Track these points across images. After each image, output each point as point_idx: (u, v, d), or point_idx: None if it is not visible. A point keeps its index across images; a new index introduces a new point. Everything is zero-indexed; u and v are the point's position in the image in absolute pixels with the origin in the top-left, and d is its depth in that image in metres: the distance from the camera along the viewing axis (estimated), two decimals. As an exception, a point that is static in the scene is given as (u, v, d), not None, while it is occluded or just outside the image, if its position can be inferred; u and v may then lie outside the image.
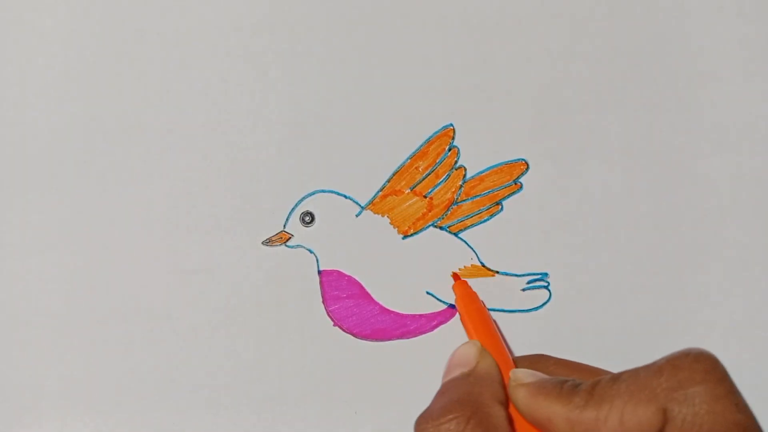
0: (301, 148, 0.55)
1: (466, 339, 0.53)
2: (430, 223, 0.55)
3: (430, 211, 0.55)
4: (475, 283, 0.55)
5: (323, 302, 0.55)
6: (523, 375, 0.45)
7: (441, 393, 0.46)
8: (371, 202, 0.55)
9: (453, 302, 0.55)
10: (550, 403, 0.43)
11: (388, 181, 0.55)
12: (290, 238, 0.55)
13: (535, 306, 0.55)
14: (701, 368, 0.40)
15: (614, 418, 0.41)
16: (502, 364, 0.48)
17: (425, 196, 0.55)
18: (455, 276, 0.54)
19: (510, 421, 0.45)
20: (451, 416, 0.44)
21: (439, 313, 0.55)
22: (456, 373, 0.47)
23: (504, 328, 0.55)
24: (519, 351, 0.55)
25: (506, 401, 0.46)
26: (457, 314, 0.55)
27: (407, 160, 0.55)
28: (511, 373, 0.46)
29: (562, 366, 0.49)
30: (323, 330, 0.55)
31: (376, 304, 0.55)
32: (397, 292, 0.55)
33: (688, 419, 0.39)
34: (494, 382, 0.46)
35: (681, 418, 0.39)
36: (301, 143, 0.55)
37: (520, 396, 0.45)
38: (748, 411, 0.39)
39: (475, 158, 0.55)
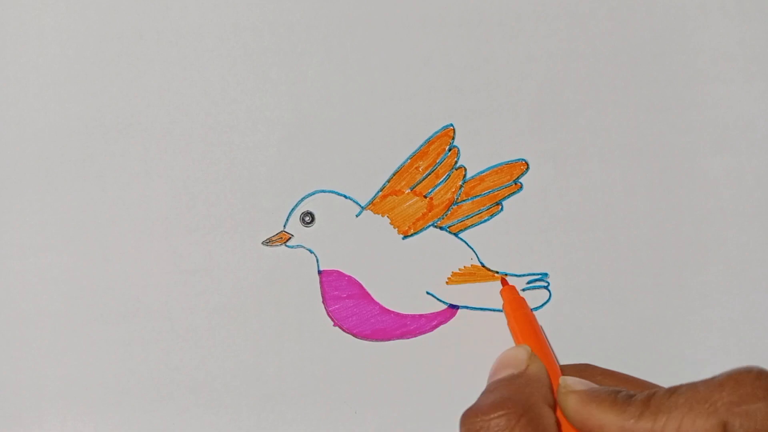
0: (301, 148, 0.55)
1: (465, 343, 0.53)
2: (430, 223, 0.55)
3: (430, 211, 0.55)
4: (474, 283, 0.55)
5: (323, 302, 0.55)
6: (573, 382, 0.46)
7: (489, 391, 0.46)
8: (371, 202, 0.55)
9: (453, 302, 0.55)
10: (603, 412, 0.43)
11: (388, 181, 0.55)
12: (290, 238, 0.55)
13: (535, 306, 0.55)
14: (764, 385, 0.40)
15: (671, 429, 0.41)
16: (550, 370, 0.48)
17: (425, 196, 0.55)
18: (503, 281, 0.54)
19: (558, 425, 0.45)
20: (502, 412, 0.44)
21: (439, 313, 0.55)
22: (505, 373, 0.47)
23: (504, 328, 0.55)
24: (519, 351, 0.55)
25: (555, 406, 0.46)
26: (458, 315, 0.55)
27: (407, 160, 0.55)
28: (561, 380, 0.46)
29: (609, 376, 0.49)
30: (323, 330, 0.55)
31: (376, 304, 0.55)
32: (397, 292, 0.55)
33: None
34: (544, 386, 0.46)
35: None
36: (301, 143, 0.55)
37: (571, 403, 0.45)
38: None
39: (475, 158, 0.55)
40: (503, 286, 0.54)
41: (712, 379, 0.41)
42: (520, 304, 0.53)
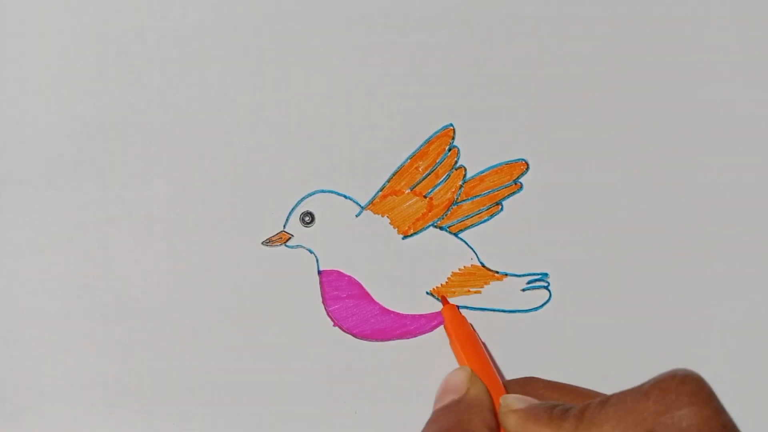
0: (301, 148, 0.55)
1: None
2: (430, 223, 0.55)
3: (430, 211, 0.55)
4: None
5: (323, 302, 0.55)
6: (513, 401, 0.46)
7: (432, 421, 0.47)
8: (371, 202, 0.55)
9: (453, 303, 0.55)
10: (540, 429, 0.43)
11: (388, 181, 0.55)
12: (290, 238, 0.55)
13: (535, 306, 0.55)
14: (687, 390, 0.40)
15: None
16: (492, 389, 0.48)
17: (425, 196, 0.55)
18: (444, 300, 0.54)
19: None
20: None
21: (439, 314, 0.55)
22: (446, 400, 0.47)
23: (504, 328, 0.55)
24: (519, 352, 0.55)
25: (497, 427, 0.46)
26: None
27: (407, 160, 0.55)
28: (501, 399, 0.46)
29: (552, 389, 0.49)
30: (323, 330, 0.55)
31: (376, 304, 0.55)
32: (397, 292, 0.55)
33: None
34: (484, 409, 0.47)
35: None
36: (301, 143, 0.55)
37: (511, 422, 0.45)
38: (735, 430, 0.40)
39: (475, 158, 0.55)
40: (443, 305, 0.54)
41: (640, 388, 0.41)
42: (462, 323, 0.53)
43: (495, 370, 0.50)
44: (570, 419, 0.42)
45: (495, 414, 0.46)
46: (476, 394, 0.47)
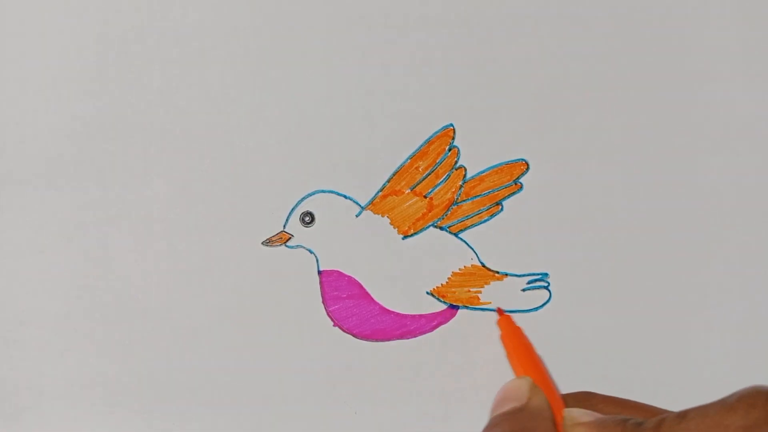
0: (301, 148, 0.55)
1: (465, 343, 0.53)
2: (430, 224, 0.55)
3: (430, 211, 0.55)
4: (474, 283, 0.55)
5: (323, 302, 0.55)
6: (579, 414, 0.45)
7: (492, 426, 0.46)
8: (371, 202, 0.55)
9: (453, 303, 0.55)
10: None
11: (388, 181, 0.55)
12: (290, 238, 0.55)
13: (535, 306, 0.55)
14: None
15: None
16: (551, 401, 0.48)
17: (425, 196, 0.55)
18: (499, 311, 0.54)
19: None
20: None
21: (439, 314, 0.55)
22: (508, 407, 0.47)
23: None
24: (519, 351, 0.55)
25: None
26: (458, 315, 0.55)
27: (407, 160, 0.55)
28: (566, 412, 0.46)
29: (610, 403, 0.49)
30: (323, 330, 0.55)
31: (376, 304, 0.55)
32: (397, 292, 0.55)
33: None
34: (546, 419, 0.46)
35: None
36: (301, 143, 0.55)
37: None
38: None
39: (475, 158, 0.55)
40: (499, 316, 0.54)
41: (723, 402, 0.41)
42: (517, 334, 0.52)
43: (553, 383, 0.50)
44: None
45: (556, 426, 0.46)
46: (539, 403, 0.47)
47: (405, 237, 0.55)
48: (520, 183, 0.55)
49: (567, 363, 0.55)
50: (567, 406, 0.48)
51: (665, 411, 0.45)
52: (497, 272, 0.55)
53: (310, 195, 0.55)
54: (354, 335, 0.55)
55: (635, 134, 0.56)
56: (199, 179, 0.55)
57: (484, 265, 0.55)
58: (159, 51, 0.55)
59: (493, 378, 0.54)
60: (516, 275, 0.55)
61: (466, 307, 0.55)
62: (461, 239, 0.55)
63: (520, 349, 0.51)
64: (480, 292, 0.55)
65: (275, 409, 0.54)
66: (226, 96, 0.55)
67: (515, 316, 0.55)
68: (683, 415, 0.41)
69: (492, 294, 0.55)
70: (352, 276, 0.55)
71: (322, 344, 0.55)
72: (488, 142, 0.55)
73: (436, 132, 0.55)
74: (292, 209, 0.55)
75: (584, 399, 0.49)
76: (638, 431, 0.42)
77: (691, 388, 0.54)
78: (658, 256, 0.55)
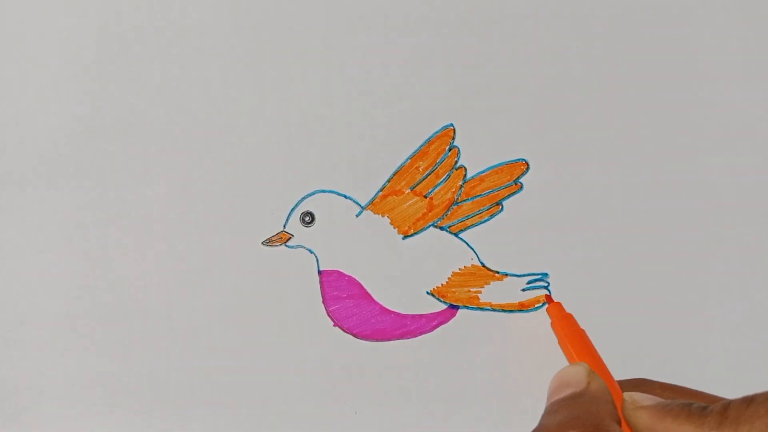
0: (301, 148, 0.55)
1: (465, 343, 0.53)
2: (430, 223, 0.55)
3: (430, 211, 0.55)
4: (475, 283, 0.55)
5: (323, 302, 0.55)
6: (640, 398, 0.45)
7: (553, 411, 0.46)
8: (371, 202, 0.55)
9: (453, 303, 0.55)
10: (679, 425, 0.43)
11: (388, 181, 0.55)
12: (290, 238, 0.55)
13: (535, 306, 0.55)
14: None
15: None
16: (609, 386, 0.47)
17: (425, 196, 0.55)
18: (548, 298, 0.54)
19: None
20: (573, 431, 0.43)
21: (439, 314, 0.55)
22: (566, 392, 0.46)
23: (504, 329, 0.55)
24: (520, 351, 0.55)
25: (620, 422, 0.46)
26: (458, 315, 0.55)
27: (407, 160, 0.55)
28: (626, 396, 0.46)
29: (668, 389, 0.49)
30: (323, 330, 0.55)
31: (377, 304, 0.55)
32: (397, 292, 0.55)
33: None
34: (608, 402, 0.46)
35: None
36: (301, 143, 0.55)
37: (642, 418, 0.44)
38: None
39: (475, 158, 0.55)
40: (548, 303, 0.54)
41: None
42: (570, 321, 0.52)
43: (608, 369, 0.50)
44: (713, 415, 0.42)
45: (617, 410, 0.46)
46: (599, 387, 0.46)
47: (405, 237, 0.55)
48: (520, 183, 0.55)
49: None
50: (626, 391, 0.48)
51: (722, 398, 0.45)
52: (497, 272, 0.55)
53: (310, 195, 0.55)
54: (354, 335, 0.55)
55: (635, 134, 0.56)
56: (199, 179, 0.55)
57: (484, 265, 0.55)
58: (159, 51, 0.55)
59: (494, 378, 0.54)
60: (516, 275, 0.55)
61: (466, 307, 0.55)
62: (461, 239, 0.55)
63: (573, 335, 0.51)
64: (480, 292, 0.55)
65: (275, 409, 0.54)
66: (226, 96, 0.55)
67: (515, 316, 0.55)
68: (751, 399, 0.41)
69: (492, 294, 0.55)
70: (352, 276, 0.55)
71: (322, 344, 0.55)
72: (488, 142, 0.55)
73: (436, 132, 0.55)
74: (292, 209, 0.55)
75: (641, 384, 0.49)
76: (705, 414, 0.42)
77: (691, 387, 0.54)
78: (658, 256, 0.55)
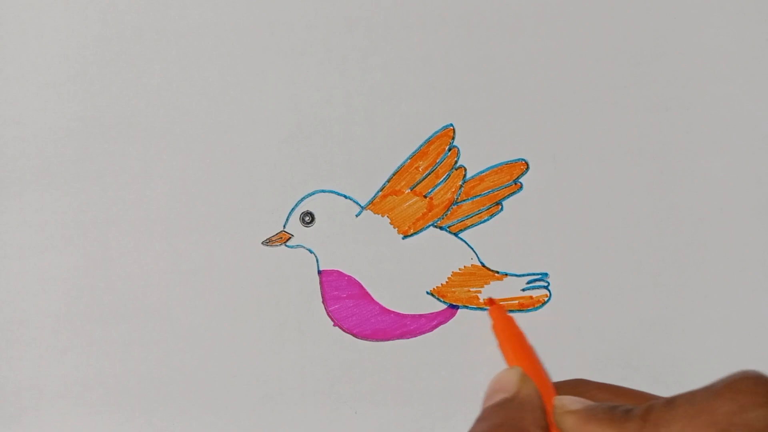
0: (301, 148, 0.55)
1: (465, 343, 0.53)
2: (430, 223, 0.55)
3: (430, 211, 0.55)
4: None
5: (323, 302, 0.55)
6: (569, 402, 0.45)
7: (481, 419, 0.46)
8: (371, 202, 0.55)
9: (453, 302, 0.55)
10: (602, 429, 0.43)
11: (388, 181, 0.55)
12: (290, 238, 0.55)
13: (535, 306, 0.55)
14: (762, 391, 0.39)
15: None
16: (543, 390, 0.47)
17: (425, 196, 0.55)
18: (490, 301, 0.54)
19: None
20: None
21: (439, 313, 0.55)
22: (497, 398, 0.47)
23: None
24: (519, 351, 0.55)
25: (547, 428, 0.46)
26: (458, 315, 0.55)
27: (407, 160, 0.55)
28: (556, 400, 0.46)
29: (603, 390, 0.49)
30: (323, 330, 0.55)
31: (376, 304, 0.55)
32: (397, 292, 0.55)
33: None
34: (536, 408, 0.46)
35: None
36: (301, 143, 0.55)
37: (568, 423, 0.44)
38: None
39: (475, 158, 0.55)
40: (490, 305, 0.54)
41: (710, 388, 0.41)
42: (510, 324, 0.52)
43: (545, 371, 0.50)
44: (634, 419, 0.42)
45: (546, 415, 0.46)
46: (528, 393, 0.47)
47: (405, 237, 0.55)
48: (520, 183, 0.55)
49: (567, 363, 0.55)
50: (560, 394, 0.48)
51: (657, 397, 0.45)
52: (497, 272, 0.55)
53: (310, 195, 0.55)
54: (354, 335, 0.55)
55: (635, 134, 0.56)
56: (199, 179, 0.55)
57: (484, 265, 0.55)
58: (158, 51, 0.55)
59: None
60: (516, 275, 0.55)
61: (466, 307, 0.55)
62: (461, 239, 0.55)
63: (511, 338, 0.51)
64: (480, 292, 0.55)
65: (275, 408, 0.54)
66: (226, 96, 0.55)
67: (515, 316, 0.55)
68: (671, 401, 0.41)
69: (492, 294, 0.55)
70: (352, 276, 0.55)
71: (322, 344, 0.55)
72: (488, 142, 0.55)
73: (436, 132, 0.55)
74: (292, 209, 0.55)
75: (577, 386, 0.49)
76: (627, 418, 0.42)
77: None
78: (657, 255, 0.55)
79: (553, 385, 0.49)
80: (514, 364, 0.50)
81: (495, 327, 0.53)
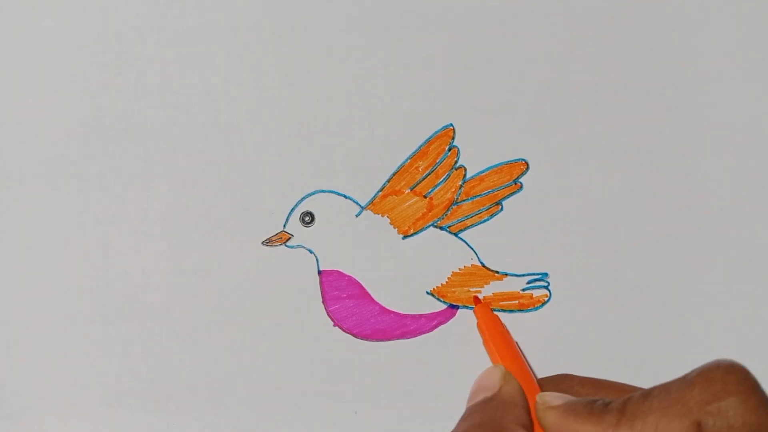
0: (301, 148, 0.55)
1: (465, 343, 0.53)
2: (430, 223, 0.55)
3: (430, 211, 0.55)
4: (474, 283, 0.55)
5: (323, 302, 0.55)
6: (550, 398, 0.46)
7: (464, 418, 0.47)
8: (371, 202, 0.55)
9: (453, 302, 0.55)
10: (581, 424, 0.43)
11: (388, 181, 0.55)
12: (290, 238, 0.55)
13: (535, 306, 0.55)
14: (734, 380, 0.40)
15: None
16: (526, 387, 0.48)
17: (425, 196, 0.55)
18: (476, 299, 0.54)
19: None
20: None
21: (439, 313, 0.55)
22: (479, 397, 0.47)
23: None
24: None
25: (530, 425, 0.46)
26: (458, 315, 0.55)
27: (407, 160, 0.55)
28: (538, 397, 0.46)
29: (587, 385, 0.49)
30: (323, 330, 0.55)
31: (376, 304, 0.55)
32: (397, 292, 0.55)
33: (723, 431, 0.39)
34: (517, 406, 0.46)
35: (716, 430, 0.39)
36: (301, 143, 0.55)
37: (549, 419, 0.45)
38: None
39: (475, 158, 0.55)
40: (476, 304, 0.54)
41: (684, 378, 0.41)
42: (495, 322, 0.52)
43: (529, 369, 0.50)
44: (612, 413, 0.42)
45: (529, 412, 0.46)
46: (509, 392, 0.47)
47: (405, 237, 0.55)
48: (520, 183, 0.55)
49: (567, 363, 0.55)
50: (544, 390, 0.48)
51: (637, 389, 0.45)
52: (497, 272, 0.55)
53: (310, 195, 0.55)
54: (354, 335, 0.55)
55: (635, 134, 0.56)
56: (199, 179, 0.55)
57: (484, 265, 0.55)
58: (158, 51, 0.55)
59: (493, 378, 0.54)
60: (516, 275, 0.55)
61: (466, 307, 0.55)
62: (461, 239, 0.55)
63: (495, 336, 0.51)
64: (480, 292, 0.55)
65: (275, 408, 0.54)
66: (226, 96, 0.55)
67: (515, 316, 0.55)
68: (647, 393, 0.42)
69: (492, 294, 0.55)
70: (352, 276, 0.55)
71: (322, 344, 0.55)
72: (488, 142, 0.55)
73: (436, 132, 0.55)
74: (292, 209, 0.55)
75: (561, 382, 0.50)
76: (605, 411, 0.43)
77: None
78: (657, 255, 0.55)
79: (538, 383, 0.49)
80: (498, 362, 0.50)
81: (479, 325, 0.53)
